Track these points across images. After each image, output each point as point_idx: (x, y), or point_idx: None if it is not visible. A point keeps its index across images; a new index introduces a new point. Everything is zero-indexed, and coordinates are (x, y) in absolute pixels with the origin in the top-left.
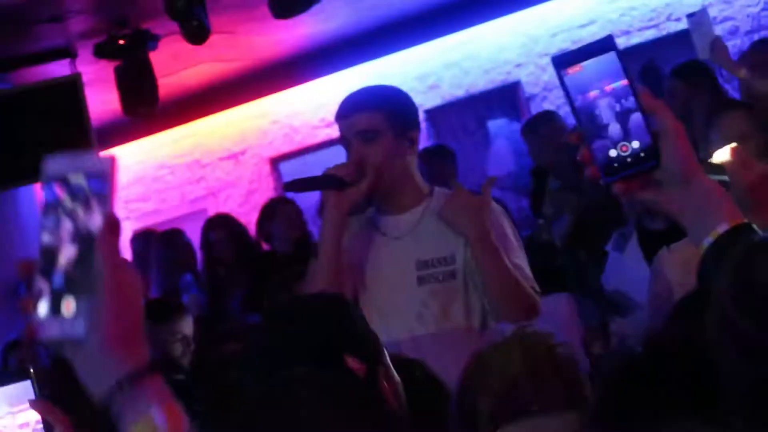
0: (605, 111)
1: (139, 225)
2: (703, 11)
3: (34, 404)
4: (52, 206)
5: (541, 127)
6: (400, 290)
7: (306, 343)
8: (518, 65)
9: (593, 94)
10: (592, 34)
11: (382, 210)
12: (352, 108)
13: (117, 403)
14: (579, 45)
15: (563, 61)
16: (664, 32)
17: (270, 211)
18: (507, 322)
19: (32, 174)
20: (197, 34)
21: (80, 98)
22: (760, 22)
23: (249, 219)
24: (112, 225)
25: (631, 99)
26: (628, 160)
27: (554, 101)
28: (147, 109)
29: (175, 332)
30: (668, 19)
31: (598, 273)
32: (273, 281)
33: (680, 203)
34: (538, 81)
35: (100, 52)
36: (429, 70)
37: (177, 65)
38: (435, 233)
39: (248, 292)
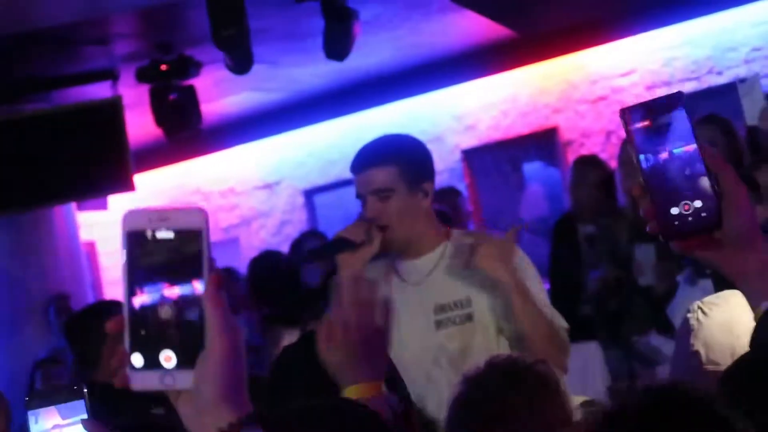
0: (672, 172)
1: None
2: (755, 77)
3: (86, 423)
4: (136, 259)
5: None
6: (418, 335)
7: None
8: (557, 110)
9: (662, 155)
10: (633, 83)
11: (399, 256)
12: (366, 163)
13: None
14: (647, 99)
15: (632, 114)
16: (705, 85)
17: (301, 244)
18: None
19: (70, 192)
20: (241, 65)
21: (120, 120)
22: None
23: (281, 250)
24: (217, 279)
25: (698, 162)
26: (690, 219)
27: (591, 148)
28: (189, 132)
29: None
30: (709, 72)
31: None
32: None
33: (739, 266)
34: (576, 127)
35: (142, 76)
36: (467, 110)
37: (217, 92)
38: (451, 277)
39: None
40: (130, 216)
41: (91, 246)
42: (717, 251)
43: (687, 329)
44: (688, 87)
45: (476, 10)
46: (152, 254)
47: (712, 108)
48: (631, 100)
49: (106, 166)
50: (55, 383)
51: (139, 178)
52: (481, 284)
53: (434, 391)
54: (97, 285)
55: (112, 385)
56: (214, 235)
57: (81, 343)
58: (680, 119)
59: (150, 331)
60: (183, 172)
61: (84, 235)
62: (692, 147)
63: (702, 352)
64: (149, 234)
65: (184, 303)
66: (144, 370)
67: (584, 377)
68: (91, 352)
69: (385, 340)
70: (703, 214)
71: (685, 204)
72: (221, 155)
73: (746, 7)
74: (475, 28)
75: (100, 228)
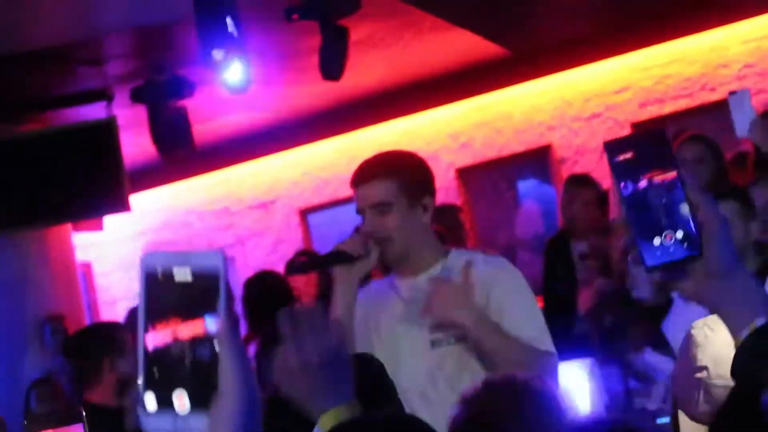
0: (652, 201)
1: None
2: (745, 91)
3: None
4: (152, 300)
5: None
6: (413, 353)
7: None
8: (551, 128)
9: (644, 187)
10: (626, 100)
11: (398, 273)
12: (366, 176)
13: None
14: (674, 109)
15: (615, 147)
16: (697, 102)
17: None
18: None
19: (65, 213)
20: (237, 84)
21: (115, 141)
22: None
23: (276, 269)
24: (234, 322)
25: (679, 191)
26: (671, 249)
27: (585, 165)
28: (183, 152)
29: None
30: (702, 89)
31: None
32: None
33: (719, 295)
34: (571, 144)
35: (137, 96)
36: (461, 128)
37: (212, 112)
38: (444, 296)
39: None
40: (148, 258)
41: (86, 267)
42: (697, 282)
43: (693, 345)
44: (681, 104)
45: (469, 29)
46: (169, 295)
47: (707, 124)
48: (624, 118)
49: (101, 187)
50: (52, 405)
51: (134, 198)
52: (484, 302)
53: (430, 410)
54: (93, 306)
55: (107, 406)
56: None
57: (80, 361)
58: (662, 153)
59: (164, 372)
60: (178, 191)
61: (80, 255)
62: (673, 179)
63: (710, 366)
64: (167, 275)
65: (199, 344)
66: (157, 414)
67: (582, 393)
68: (90, 371)
69: (347, 360)
70: (685, 245)
71: (668, 234)
72: (216, 175)
73: (737, 25)
74: (468, 46)
75: (96, 248)
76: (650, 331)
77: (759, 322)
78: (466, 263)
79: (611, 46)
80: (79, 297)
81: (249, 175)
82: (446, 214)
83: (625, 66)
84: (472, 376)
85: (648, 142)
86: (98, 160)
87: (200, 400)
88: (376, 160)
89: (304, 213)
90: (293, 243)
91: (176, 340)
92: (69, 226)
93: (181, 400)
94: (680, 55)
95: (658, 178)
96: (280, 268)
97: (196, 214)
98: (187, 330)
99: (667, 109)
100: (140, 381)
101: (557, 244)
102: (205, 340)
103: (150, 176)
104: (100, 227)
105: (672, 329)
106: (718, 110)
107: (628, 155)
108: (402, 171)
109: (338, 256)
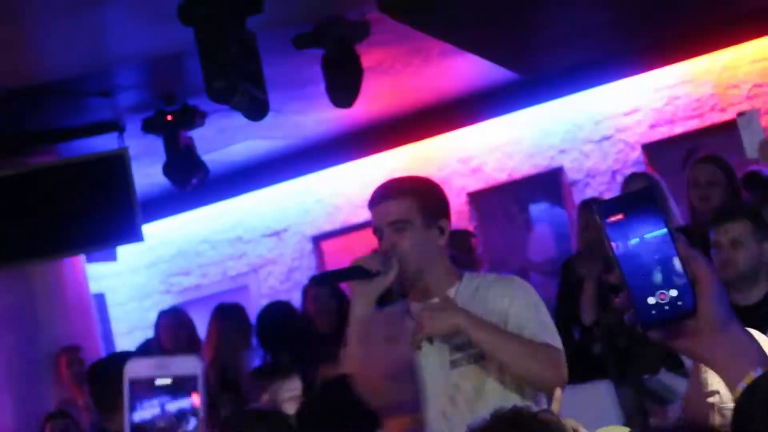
0: (644, 259)
1: (179, 299)
2: (753, 112)
3: None
4: (136, 405)
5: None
6: (433, 375)
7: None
8: (562, 151)
9: (633, 242)
10: (637, 121)
11: (412, 296)
12: (384, 196)
13: None
14: (683, 130)
15: (605, 209)
16: (707, 122)
17: (305, 293)
18: (541, 386)
19: (79, 244)
20: (254, 112)
21: (127, 172)
22: None
23: (290, 297)
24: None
25: (670, 248)
26: (666, 307)
27: (597, 188)
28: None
29: None
30: (712, 109)
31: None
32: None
33: (713, 350)
34: (582, 167)
35: (148, 127)
36: (472, 153)
37: (223, 141)
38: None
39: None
40: (131, 365)
41: (100, 297)
42: (692, 338)
43: (703, 369)
44: (691, 125)
45: (477, 54)
46: (150, 400)
47: (717, 145)
48: (634, 140)
49: (114, 217)
50: None
51: (147, 228)
52: (494, 320)
53: (450, 429)
54: (107, 336)
55: None
56: (223, 284)
57: (101, 389)
58: (650, 211)
59: None
60: (190, 221)
61: (93, 286)
62: (664, 236)
63: (722, 391)
64: (149, 381)
65: None
66: None
67: (597, 416)
68: (110, 400)
69: (413, 372)
70: (679, 303)
71: (661, 293)
72: (228, 203)
73: (746, 45)
74: (477, 71)
75: (109, 279)
76: (665, 352)
77: (756, 373)
78: (473, 286)
79: (621, 68)
80: (94, 328)
81: (261, 204)
82: (458, 239)
83: (635, 88)
84: (490, 396)
85: (636, 201)
86: (111, 191)
87: None
88: (393, 181)
89: (317, 240)
90: (307, 270)
91: None
92: (82, 257)
93: None
94: (690, 75)
95: (649, 236)
96: (294, 296)
97: (209, 243)
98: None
99: (678, 129)
100: None
101: (572, 268)
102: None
103: (162, 206)
104: (113, 258)
105: None
106: (729, 130)
107: (619, 216)
108: (419, 192)
109: (357, 272)
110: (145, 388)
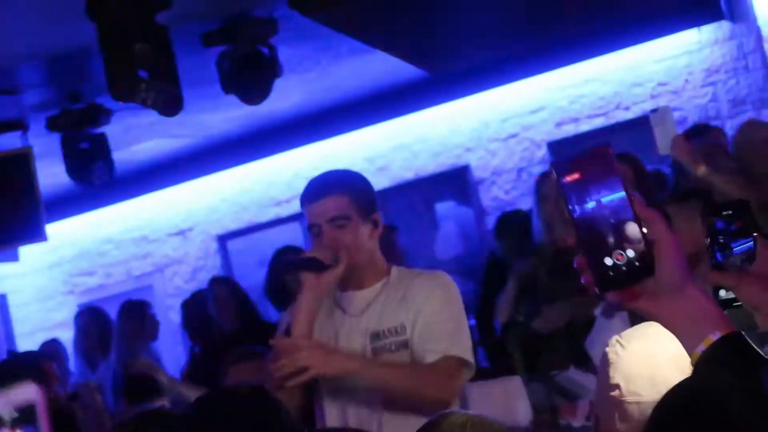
0: (602, 223)
1: (83, 300)
2: (666, 108)
3: None
4: None
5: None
6: None
7: None
8: (468, 149)
9: (592, 206)
10: (543, 120)
11: (343, 287)
12: (320, 192)
13: None
14: (576, 151)
15: (561, 167)
16: (612, 120)
17: (205, 294)
18: (435, 407)
19: None
20: (164, 105)
21: (31, 171)
22: (707, 113)
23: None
24: None
25: (628, 210)
26: (623, 268)
27: (503, 186)
28: (100, 181)
29: None
30: (617, 107)
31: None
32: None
33: (671, 312)
34: (488, 165)
35: (53, 125)
36: (379, 152)
37: (128, 139)
38: (389, 306)
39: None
40: None
41: (2, 298)
42: (649, 300)
43: (606, 363)
44: (596, 123)
45: (386, 51)
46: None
47: (621, 143)
48: (540, 138)
49: (17, 216)
50: None
51: (50, 228)
52: (415, 314)
53: (376, 417)
54: (9, 338)
55: None
56: (128, 284)
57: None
58: (608, 173)
59: None
60: (95, 220)
61: None
62: (621, 196)
63: (622, 384)
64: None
65: None
66: None
67: (507, 411)
68: None
69: None
70: (637, 264)
71: (618, 254)
72: (133, 203)
73: (650, 44)
74: (386, 69)
75: (12, 280)
76: (574, 349)
77: (714, 337)
78: (399, 280)
79: (526, 66)
80: None
81: (166, 203)
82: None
83: (541, 86)
84: None
85: (593, 161)
86: (14, 190)
87: None
88: (326, 176)
89: (223, 239)
90: (212, 269)
91: None
92: None
93: None
94: (595, 74)
95: (606, 199)
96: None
97: (113, 243)
98: None
99: (583, 128)
100: None
101: (494, 266)
102: None
103: (66, 205)
104: (15, 258)
105: (594, 346)
106: (633, 128)
107: (575, 176)
108: (353, 186)
109: (312, 262)
110: None
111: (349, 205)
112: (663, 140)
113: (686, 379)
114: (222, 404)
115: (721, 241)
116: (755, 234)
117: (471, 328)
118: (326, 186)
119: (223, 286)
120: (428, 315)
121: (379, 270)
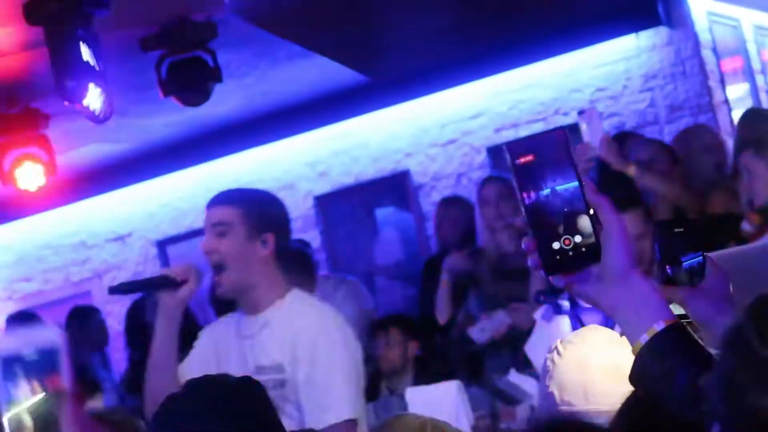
0: (553, 207)
1: (21, 306)
2: (593, 109)
3: None
4: (10, 377)
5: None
6: None
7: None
8: (408, 154)
9: (543, 190)
10: (482, 125)
11: (241, 310)
12: (214, 201)
13: None
14: (529, 133)
15: (515, 149)
16: (551, 125)
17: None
18: None
19: None
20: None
21: None
22: (645, 118)
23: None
24: (71, 394)
25: (579, 197)
26: (570, 253)
27: (442, 191)
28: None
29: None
30: (556, 113)
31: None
32: None
33: (616, 299)
34: (428, 171)
35: None
36: (319, 157)
37: (66, 144)
38: (273, 338)
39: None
40: (3, 340)
41: None
42: (595, 286)
43: (545, 371)
44: (535, 128)
45: (326, 55)
46: (22, 373)
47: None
48: (480, 143)
49: None
50: None
51: None
52: (300, 354)
53: None
54: None
55: None
56: (66, 290)
57: None
58: (562, 153)
59: None
60: (32, 225)
61: None
62: (573, 183)
63: (556, 393)
64: (18, 356)
65: (51, 420)
66: None
67: (447, 416)
68: None
69: None
70: (584, 249)
71: (566, 239)
72: (71, 208)
73: (588, 49)
74: (324, 74)
75: None
76: (514, 353)
77: (658, 326)
78: (291, 305)
79: (465, 72)
80: None
81: (105, 208)
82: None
83: (480, 92)
84: (286, 423)
85: (548, 144)
86: None
87: None
88: (233, 190)
89: (162, 244)
90: (151, 275)
91: (32, 413)
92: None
93: None
94: (533, 80)
95: (561, 187)
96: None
97: (52, 249)
98: (39, 402)
99: (522, 133)
100: None
101: (433, 267)
102: (53, 411)
103: (4, 210)
104: None
105: (534, 350)
106: (572, 133)
107: (529, 158)
108: (248, 201)
109: (162, 280)
110: (14, 364)
111: (235, 216)
112: (592, 141)
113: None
114: (211, 391)
115: (670, 256)
116: (703, 253)
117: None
118: (224, 197)
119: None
120: (311, 369)
121: (272, 294)
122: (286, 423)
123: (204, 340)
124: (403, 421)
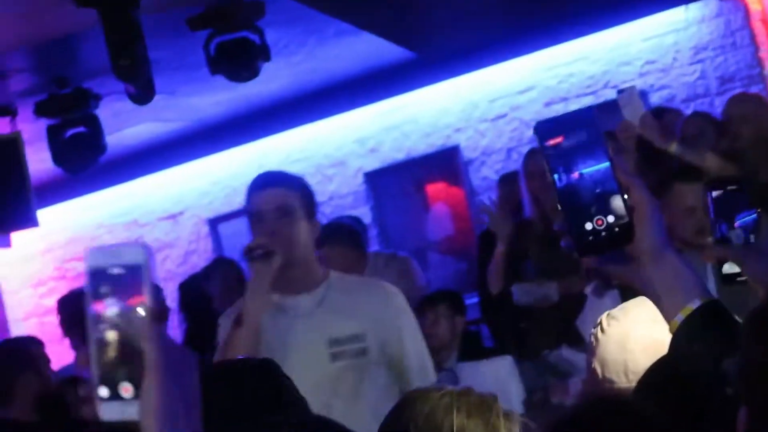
0: (584, 187)
1: (74, 285)
2: (632, 88)
3: None
4: (96, 296)
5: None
6: (313, 367)
7: (236, 407)
8: (458, 129)
9: (574, 170)
10: (531, 99)
11: (285, 292)
12: (271, 182)
13: None
14: (558, 113)
15: (544, 129)
16: (601, 99)
17: (208, 272)
18: None
19: None
20: (143, 94)
21: (20, 157)
22: (695, 91)
23: (181, 282)
24: (156, 313)
25: (611, 177)
26: (603, 234)
27: (493, 165)
28: (84, 167)
29: None
30: (605, 86)
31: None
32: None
33: (650, 279)
34: (477, 145)
35: (41, 111)
36: (369, 133)
37: (117, 124)
38: (342, 311)
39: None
40: (91, 254)
41: None
42: (629, 266)
43: (589, 345)
44: (585, 101)
45: (373, 32)
46: (107, 289)
47: (609, 121)
48: (529, 117)
49: (7, 203)
50: None
51: (41, 214)
52: (373, 321)
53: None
54: (2, 324)
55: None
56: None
57: (4, 374)
58: (592, 133)
59: (109, 364)
60: (86, 205)
61: None
62: (605, 162)
63: (598, 369)
64: (104, 270)
65: (135, 337)
66: (109, 401)
67: (498, 391)
68: (4, 388)
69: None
70: (616, 229)
71: (598, 219)
72: (123, 187)
73: (637, 22)
74: (373, 50)
75: (3, 266)
76: (566, 328)
77: (694, 305)
78: (343, 286)
79: (515, 46)
80: None
81: (157, 187)
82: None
83: (529, 66)
84: (370, 390)
85: (576, 124)
86: (4, 177)
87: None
88: (278, 172)
89: (214, 223)
90: (203, 253)
91: (117, 333)
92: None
93: (126, 390)
94: (583, 53)
95: (592, 168)
96: None
97: (105, 228)
98: (125, 323)
99: (572, 107)
100: (94, 372)
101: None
102: (137, 327)
103: (57, 191)
104: (7, 244)
105: (585, 325)
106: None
107: (558, 139)
108: (301, 185)
109: (259, 250)
110: (101, 278)
111: (296, 200)
112: (632, 119)
113: (665, 355)
114: (230, 374)
115: (724, 214)
116: (758, 210)
117: (471, 306)
118: (277, 178)
119: (231, 268)
120: (410, 340)
121: (317, 274)
122: (371, 387)
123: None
124: (426, 396)
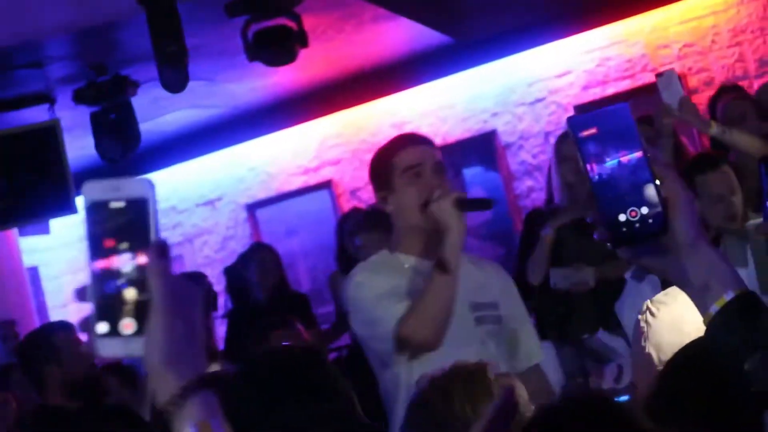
0: (618, 179)
1: None
2: (671, 72)
3: None
4: (96, 231)
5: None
6: (459, 328)
7: (283, 394)
8: (495, 114)
9: (608, 163)
10: (569, 83)
11: (424, 256)
12: (426, 140)
13: (171, 415)
14: (595, 109)
15: (578, 122)
16: (639, 82)
17: (246, 258)
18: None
19: (12, 218)
20: (179, 82)
21: (59, 143)
22: (734, 73)
23: (226, 266)
24: (161, 248)
25: (645, 169)
26: (637, 225)
27: (530, 150)
28: (125, 154)
29: None
30: (644, 70)
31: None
32: (251, 332)
33: (684, 270)
34: (515, 130)
35: (79, 98)
36: (405, 118)
37: (155, 111)
38: (477, 279)
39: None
40: (89, 187)
41: (34, 271)
42: (663, 257)
43: (639, 331)
44: (623, 85)
45: (410, 17)
46: (108, 224)
47: (649, 105)
48: (567, 101)
49: (46, 190)
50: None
51: (80, 201)
52: (500, 293)
53: None
54: (41, 310)
55: (62, 407)
56: None
57: (32, 365)
58: (626, 127)
59: (110, 299)
60: None
61: (27, 260)
62: (639, 154)
63: (654, 354)
64: (105, 204)
65: (138, 271)
66: (108, 338)
67: None
68: (33, 380)
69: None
70: (650, 221)
71: (632, 211)
72: (161, 173)
73: (675, 5)
74: (409, 35)
75: (43, 252)
76: (603, 312)
77: (728, 296)
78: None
79: (552, 30)
80: (29, 302)
81: (195, 173)
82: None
83: (566, 50)
84: (501, 357)
85: (611, 118)
86: (43, 163)
87: (144, 326)
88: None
89: (252, 208)
90: (241, 239)
91: (119, 268)
92: (15, 230)
93: (127, 327)
94: (620, 36)
95: (625, 159)
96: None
97: None
98: (127, 258)
99: (610, 90)
100: (91, 309)
101: (534, 222)
102: (143, 268)
103: (95, 177)
104: (47, 231)
105: (624, 310)
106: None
107: (592, 131)
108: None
109: (480, 200)
110: (101, 212)
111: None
112: (671, 103)
113: (698, 338)
114: (276, 362)
115: None
116: None
117: None
118: (428, 138)
119: (269, 253)
120: (521, 314)
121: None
122: (500, 357)
123: (393, 283)
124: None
